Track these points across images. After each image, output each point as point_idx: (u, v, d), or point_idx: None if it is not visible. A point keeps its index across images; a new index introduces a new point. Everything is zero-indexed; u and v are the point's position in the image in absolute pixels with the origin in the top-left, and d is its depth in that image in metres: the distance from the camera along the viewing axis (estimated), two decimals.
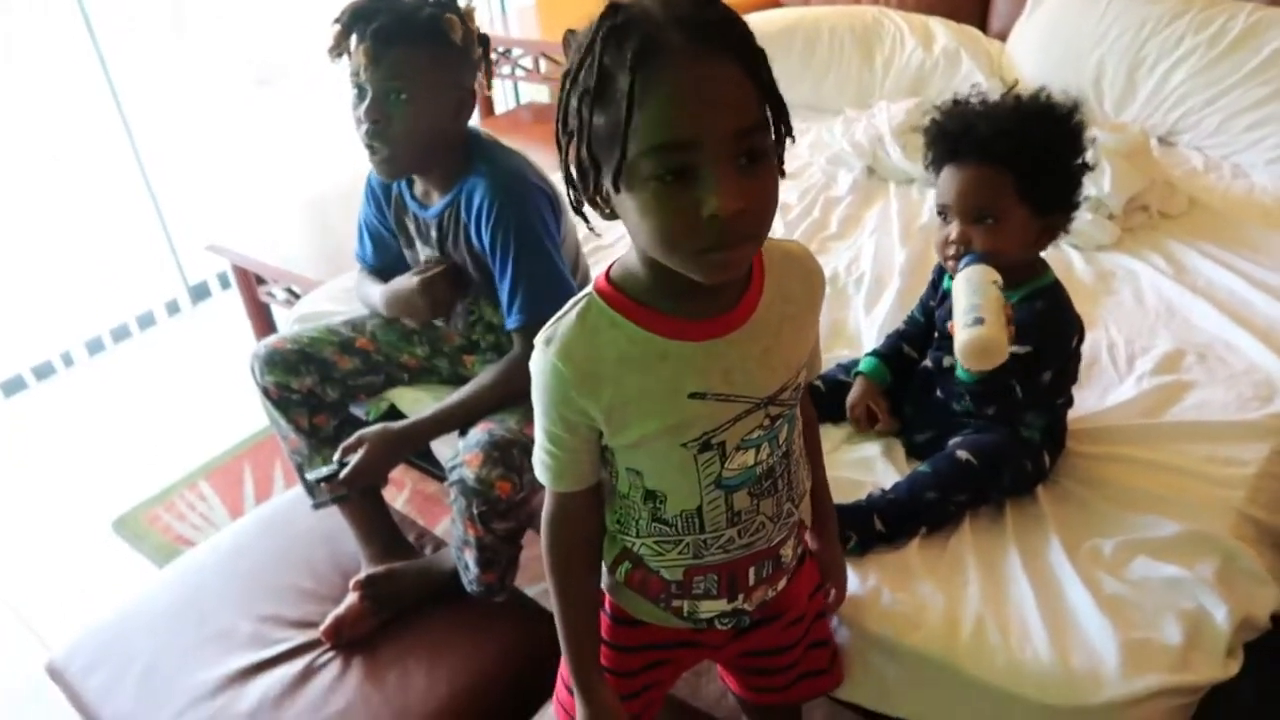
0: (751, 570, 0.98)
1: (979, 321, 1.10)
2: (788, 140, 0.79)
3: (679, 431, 0.88)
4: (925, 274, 1.52)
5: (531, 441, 1.08)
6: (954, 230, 1.24)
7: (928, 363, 1.44)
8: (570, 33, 0.82)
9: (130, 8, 2.88)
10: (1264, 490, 1.29)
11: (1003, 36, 2.61)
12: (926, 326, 1.44)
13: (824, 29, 2.67)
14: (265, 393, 1.54)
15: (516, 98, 3.68)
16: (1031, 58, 2.45)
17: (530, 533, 1.54)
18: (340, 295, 1.96)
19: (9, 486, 2.42)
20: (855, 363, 1.49)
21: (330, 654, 1.41)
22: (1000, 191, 1.21)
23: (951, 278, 1.23)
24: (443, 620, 1.45)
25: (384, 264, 1.64)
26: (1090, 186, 1.86)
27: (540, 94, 3.53)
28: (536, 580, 1.86)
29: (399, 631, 1.44)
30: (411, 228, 1.53)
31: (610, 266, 0.88)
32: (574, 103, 0.77)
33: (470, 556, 1.38)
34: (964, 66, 2.49)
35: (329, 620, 1.43)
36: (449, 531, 1.91)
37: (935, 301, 1.41)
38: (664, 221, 0.75)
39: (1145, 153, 2.03)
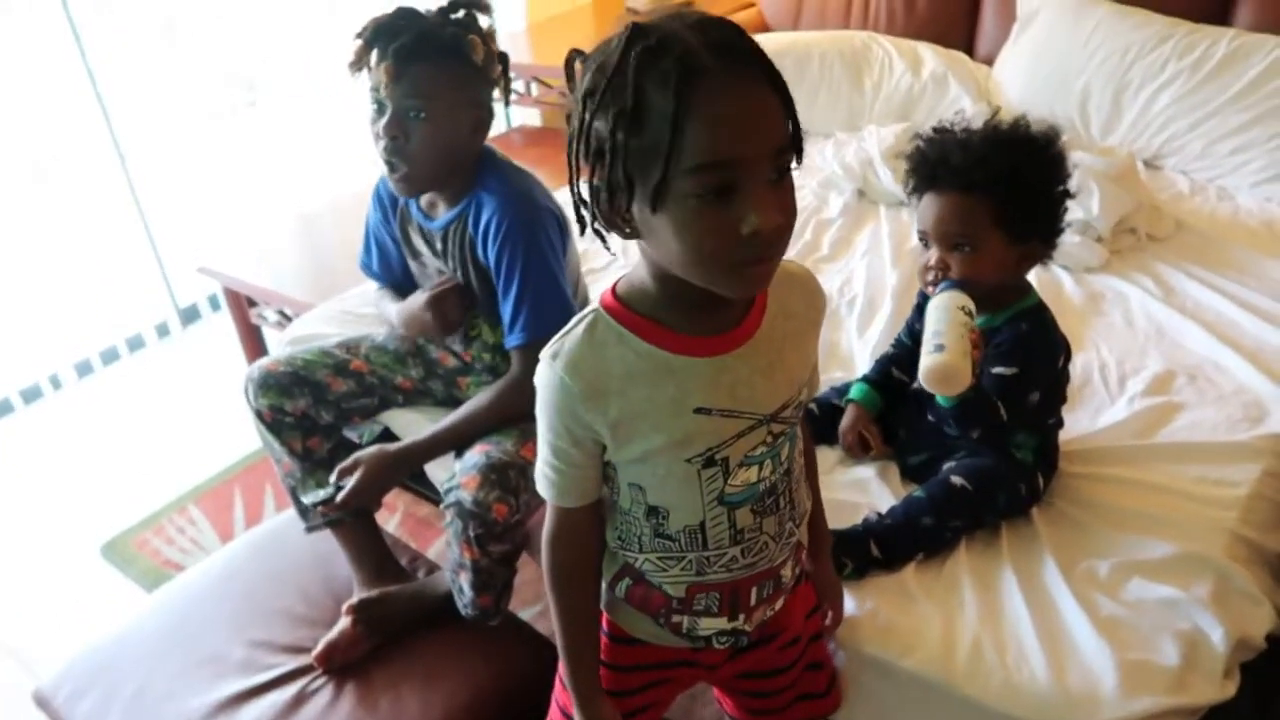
0: (753, 590, 0.98)
1: (940, 349, 1.13)
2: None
3: (683, 447, 0.88)
4: (916, 296, 1.53)
5: (528, 464, 1.09)
6: (933, 256, 1.26)
7: (919, 386, 1.44)
8: (578, 54, 0.83)
9: (120, 25, 2.88)
10: (1256, 511, 1.30)
11: (989, 61, 2.64)
12: (914, 349, 1.45)
13: (814, 53, 2.70)
14: (259, 415, 1.54)
15: (508, 121, 3.69)
16: (1018, 82, 2.48)
17: (525, 556, 1.53)
18: (334, 317, 1.95)
19: None
20: (848, 386, 1.50)
21: (322, 680, 1.40)
22: (976, 219, 1.23)
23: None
24: (436, 645, 1.44)
25: (387, 272, 1.64)
26: (1078, 209, 1.89)
27: (532, 117, 3.54)
28: (531, 604, 1.85)
29: (392, 656, 1.43)
30: (416, 239, 1.54)
31: (616, 283, 0.89)
32: (601, 124, 0.77)
33: (465, 580, 1.37)
34: (952, 90, 2.52)
35: (321, 645, 1.42)
36: (442, 555, 1.91)
37: (920, 327, 1.42)
38: (703, 239, 0.77)
39: (1132, 176, 2.05)
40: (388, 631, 1.44)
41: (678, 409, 0.87)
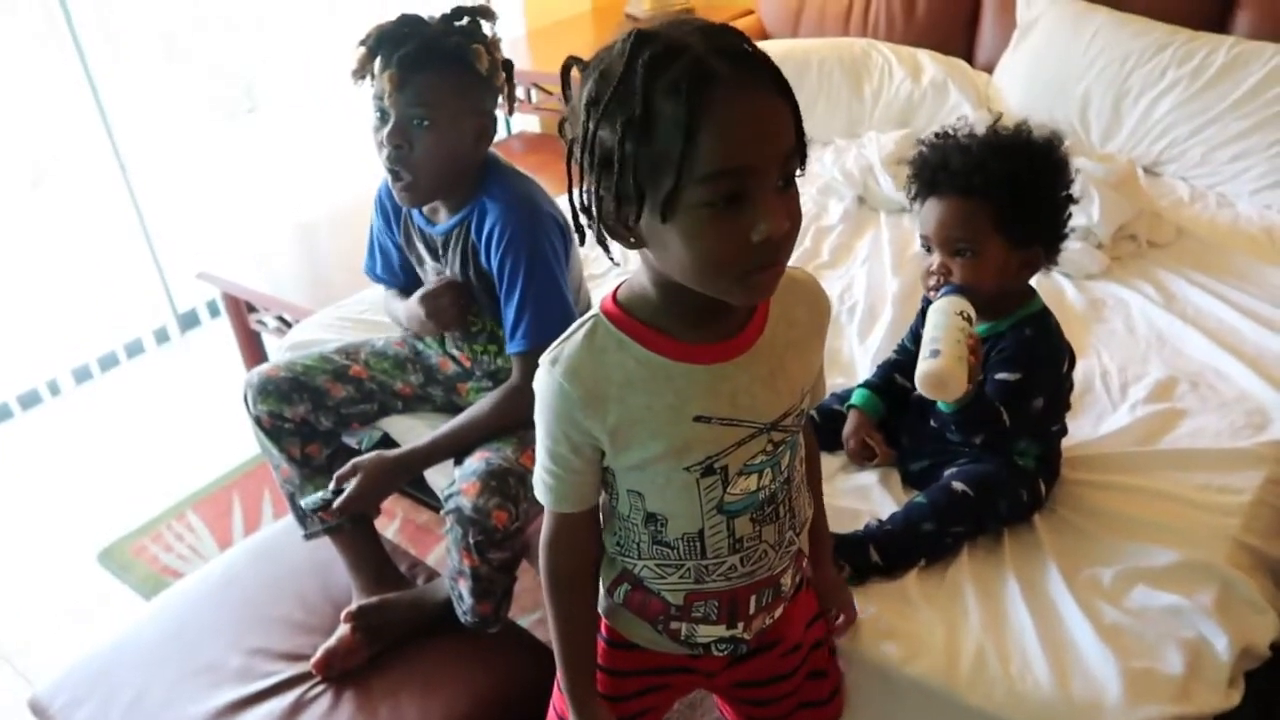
0: (752, 598, 0.98)
1: (935, 354, 1.13)
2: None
3: (682, 455, 0.88)
4: (917, 303, 1.53)
5: (528, 471, 1.08)
6: (935, 261, 1.27)
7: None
8: (576, 61, 0.82)
9: (120, 32, 2.88)
10: (1259, 518, 1.30)
11: (989, 68, 2.64)
12: (916, 354, 1.45)
13: (813, 60, 2.70)
14: (258, 421, 1.53)
15: (508, 128, 3.69)
16: (1018, 89, 2.48)
17: (524, 563, 1.53)
18: (333, 323, 1.95)
19: None
20: (850, 393, 1.49)
21: (321, 687, 1.39)
22: (977, 225, 1.23)
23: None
24: (436, 652, 1.43)
25: (392, 277, 1.64)
26: (1079, 215, 1.88)
27: (531, 124, 3.54)
28: (530, 611, 1.85)
29: (391, 664, 1.42)
30: (419, 244, 1.53)
31: (617, 289, 0.89)
32: (607, 133, 0.76)
33: (465, 587, 1.37)
34: (952, 97, 2.52)
35: (320, 653, 1.41)
36: (441, 561, 1.90)
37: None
38: (713, 246, 0.76)
39: (1133, 182, 2.06)
40: (387, 639, 1.44)
41: (676, 417, 0.86)
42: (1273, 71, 2.13)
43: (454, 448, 1.44)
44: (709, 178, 0.74)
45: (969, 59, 2.70)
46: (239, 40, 3.20)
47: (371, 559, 1.55)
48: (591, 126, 0.77)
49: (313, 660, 1.40)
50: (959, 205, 1.23)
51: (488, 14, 1.40)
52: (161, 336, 3.08)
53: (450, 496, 1.34)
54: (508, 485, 1.32)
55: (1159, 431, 1.46)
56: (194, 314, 3.18)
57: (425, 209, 1.49)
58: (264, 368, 1.57)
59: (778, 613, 1.02)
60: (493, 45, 1.39)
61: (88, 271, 2.99)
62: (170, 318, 3.10)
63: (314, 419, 1.55)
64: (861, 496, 1.39)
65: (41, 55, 2.73)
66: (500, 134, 3.70)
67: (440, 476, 1.52)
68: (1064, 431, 1.36)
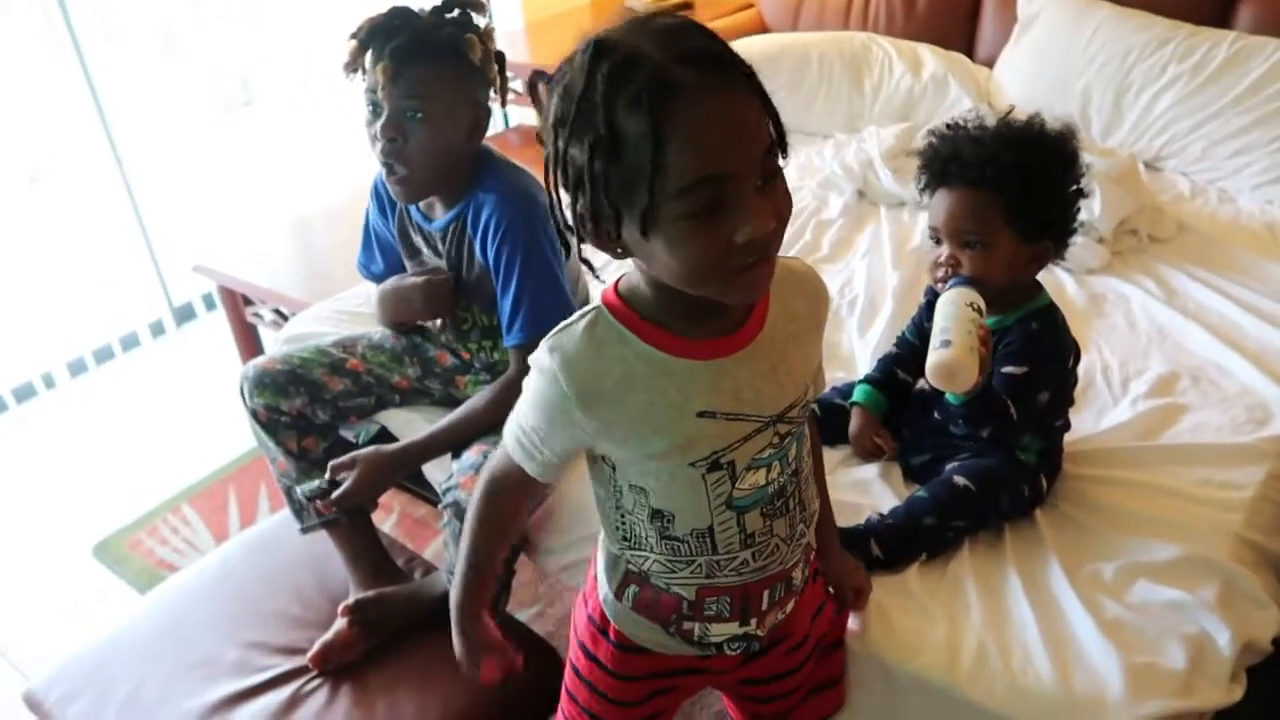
0: (765, 593, 0.97)
1: (946, 344, 1.12)
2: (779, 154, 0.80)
3: (686, 451, 0.87)
4: (917, 297, 1.52)
5: None
6: (943, 253, 1.26)
7: (924, 386, 1.44)
8: (540, 75, 0.81)
9: (117, 27, 2.87)
10: (1261, 514, 1.29)
11: (990, 63, 2.63)
12: (919, 347, 1.44)
13: (813, 54, 2.69)
14: (254, 415, 1.52)
15: (505, 120, 3.68)
16: (1019, 84, 2.47)
17: (523, 557, 1.52)
18: (330, 316, 1.94)
19: None
20: (851, 387, 1.49)
21: (318, 681, 1.38)
22: (987, 217, 1.22)
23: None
24: (433, 646, 1.42)
25: (388, 271, 1.62)
26: (1081, 210, 1.88)
27: (528, 117, 3.53)
28: (529, 605, 1.84)
29: (388, 658, 1.41)
30: (416, 238, 1.52)
31: (618, 280, 0.87)
32: (577, 152, 0.75)
33: None
34: (952, 92, 2.52)
35: (316, 647, 1.40)
36: (439, 555, 1.89)
37: (930, 324, 1.41)
38: (699, 254, 0.75)
39: (1134, 177, 2.05)
40: (384, 633, 1.43)
41: (680, 413, 0.85)
42: (1274, 67, 2.13)
43: (452, 441, 1.43)
44: (684, 191, 0.73)
45: (969, 53, 2.69)
46: (235, 35, 3.18)
47: (369, 553, 1.54)
48: (561, 146, 0.76)
49: (309, 654, 1.39)
50: (970, 197, 1.22)
51: (478, 6, 1.39)
52: (157, 329, 3.07)
53: (448, 490, 1.33)
54: None
55: (1160, 426, 1.46)
56: (190, 307, 3.16)
57: (422, 205, 1.48)
58: (260, 360, 1.56)
59: (789, 607, 1.01)
60: (485, 36, 1.38)
61: (84, 264, 2.98)
62: (166, 311, 3.09)
63: (311, 412, 1.54)
64: (862, 490, 1.38)
65: (39, 50, 2.72)
66: (498, 126, 3.70)
67: (438, 470, 1.51)
68: (1067, 426, 1.35)
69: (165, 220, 3.05)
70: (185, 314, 3.15)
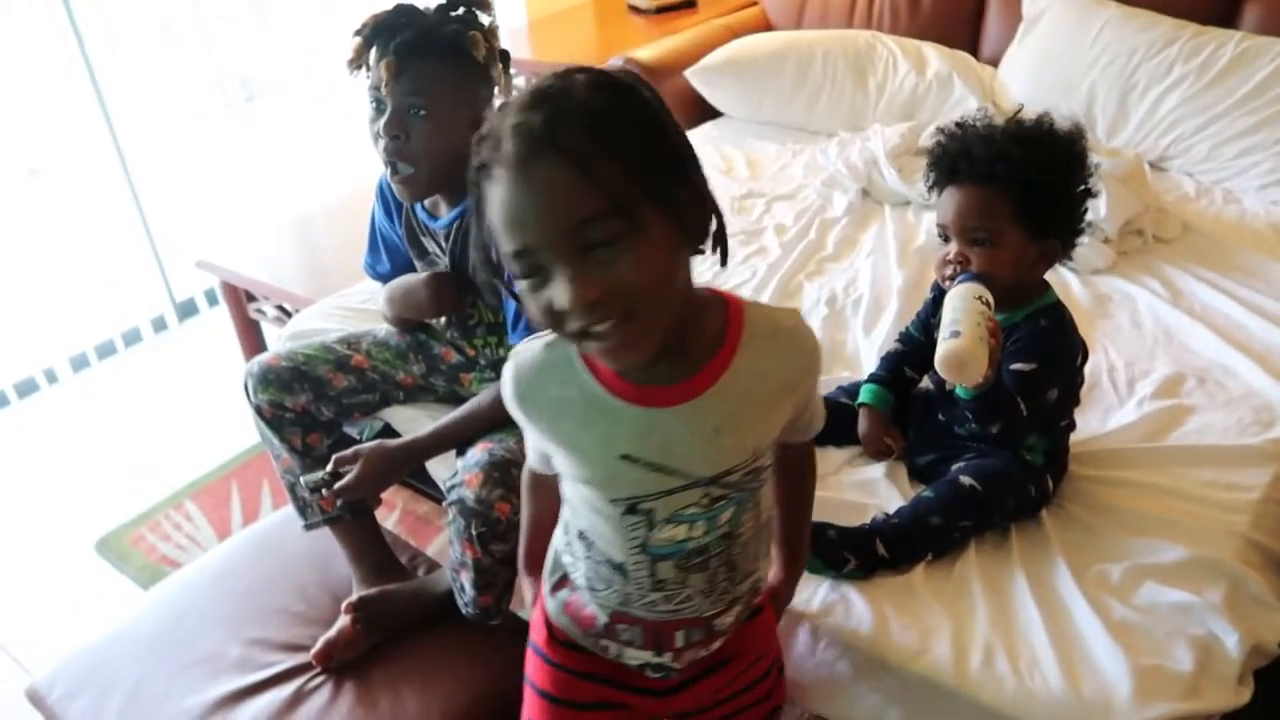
0: (679, 634, 0.95)
1: (956, 335, 1.12)
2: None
3: (605, 487, 0.86)
4: (922, 296, 1.52)
5: None
6: (951, 250, 1.26)
7: (929, 385, 1.44)
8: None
9: (120, 22, 2.86)
10: (1268, 516, 1.29)
11: (994, 62, 2.63)
12: (925, 344, 1.44)
13: (817, 52, 2.68)
14: (258, 411, 1.52)
15: None
16: (1023, 83, 2.47)
17: None
18: (334, 312, 1.93)
19: None
20: (857, 386, 1.48)
21: (321, 678, 1.38)
22: (996, 214, 1.22)
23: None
24: (436, 644, 1.42)
25: (394, 272, 1.62)
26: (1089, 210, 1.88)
27: None
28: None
29: (391, 655, 1.41)
30: (422, 237, 1.52)
31: None
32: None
33: (466, 579, 1.35)
34: (957, 91, 2.51)
35: (320, 644, 1.40)
36: (442, 552, 1.89)
37: (936, 320, 1.41)
38: (538, 316, 0.77)
39: (1140, 177, 2.04)
40: (387, 630, 1.42)
41: (603, 450, 0.84)
42: None
43: (456, 438, 1.43)
44: (508, 257, 0.76)
45: (974, 52, 2.68)
46: (237, 31, 3.18)
47: (372, 550, 1.54)
48: None
49: (313, 651, 1.39)
50: (979, 194, 1.22)
51: (484, 4, 1.38)
52: (159, 325, 3.07)
53: (453, 488, 1.33)
54: (511, 476, 1.31)
55: (1166, 428, 1.45)
56: (192, 303, 3.16)
57: (427, 203, 1.48)
58: (265, 357, 1.56)
59: (714, 646, 0.98)
60: (490, 34, 1.38)
61: (86, 260, 2.97)
62: (168, 306, 3.08)
63: (315, 409, 1.54)
64: (868, 491, 1.38)
65: (42, 45, 2.71)
66: None
67: (442, 467, 1.51)
68: (1072, 426, 1.35)
69: (168, 216, 3.05)
70: (188, 309, 3.15)
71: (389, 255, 1.61)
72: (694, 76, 2.80)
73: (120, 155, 2.89)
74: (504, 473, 1.31)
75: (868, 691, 1.19)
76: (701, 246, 0.81)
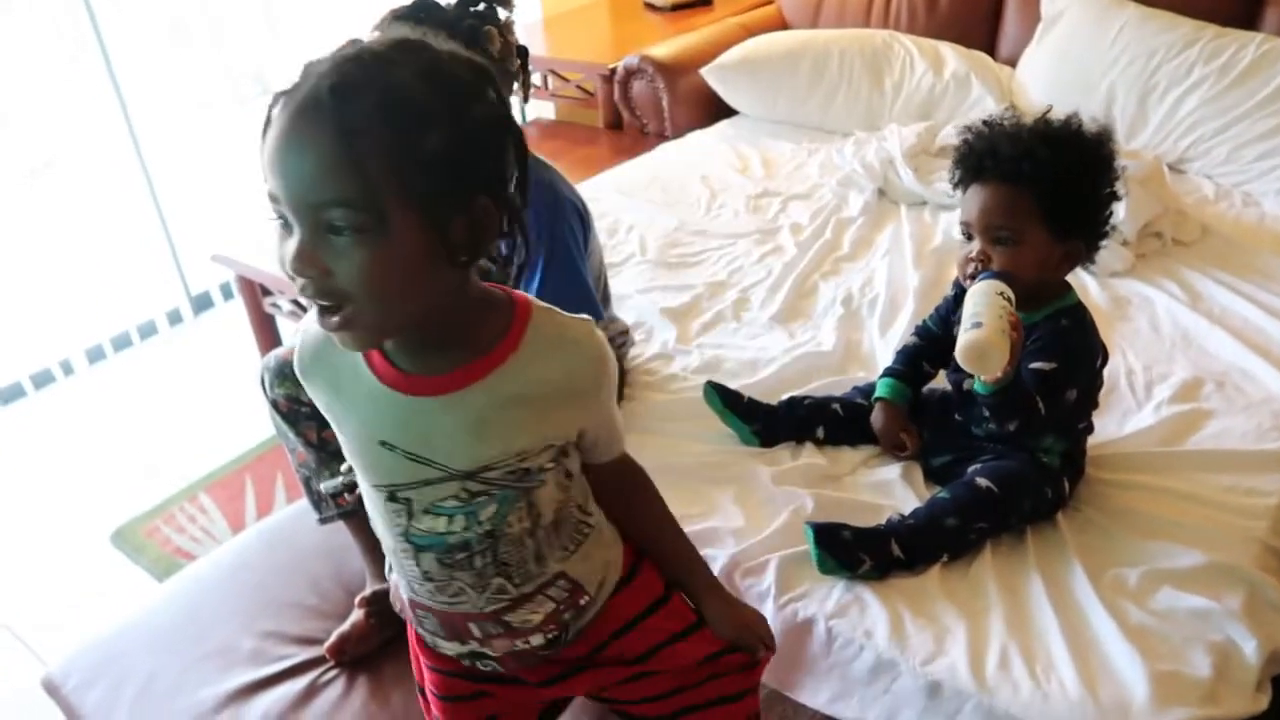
0: (473, 625, 0.93)
1: (977, 325, 1.12)
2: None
3: (367, 472, 0.87)
4: (939, 297, 1.51)
5: None
6: (974, 248, 1.25)
7: (946, 386, 1.43)
8: None
9: (137, 17, 2.88)
10: None
11: (1012, 62, 2.62)
12: (943, 339, 1.43)
13: (833, 51, 2.68)
14: (274, 405, 1.52)
15: (523, 114, 3.68)
16: (1041, 83, 2.46)
17: None
18: None
19: (5, 496, 2.39)
20: (872, 386, 1.48)
21: (334, 672, 1.38)
22: (1021, 213, 1.21)
23: None
24: None
25: None
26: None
27: (546, 110, 3.53)
28: None
29: (404, 649, 1.40)
30: None
31: None
32: None
33: None
34: (974, 91, 2.50)
35: (333, 637, 1.40)
36: None
37: (957, 318, 1.40)
38: (279, 259, 0.75)
39: (1159, 179, 2.03)
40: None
41: (365, 434, 0.84)
42: None
43: None
44: (266, 192, 0.74)
45: (991, 52, 2.68)
46: (250, 24, 3.19)
47: None
48: None
49: (326, 645, 1.40)
50: (1004, 192, 1.22)
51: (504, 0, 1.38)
52: (175, 318, 3.08)
53: None
54: None
55: (1184, 432, 1.44)
56: (207, 296, 3.17)
57: None
58: (281, 351, 1.56)
59: (534, 640, 0.95)
60: (506, 28, 1.37)
61: (102, 253, 2.99)
62: (184, 300, 3.10)
63: None
64: (883, 492, 1.37)
65: (61, 39, 2.73)
66: (517, 120, 3.69)
67: None
68: (1090, 429, 1.34)
69: (184, 210, 3.06)
70: (203, 303, 3.16)
71: None
72: (709, 75, 2.79)
73: (137, 149, 2.90)
74: None
75: (881, 693, 1.18)
76: (475, 260, 0.78)
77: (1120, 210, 1.89)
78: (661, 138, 2.87)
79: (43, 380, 2.82)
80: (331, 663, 1.39)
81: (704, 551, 1.30)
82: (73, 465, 2.48)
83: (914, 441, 1.41)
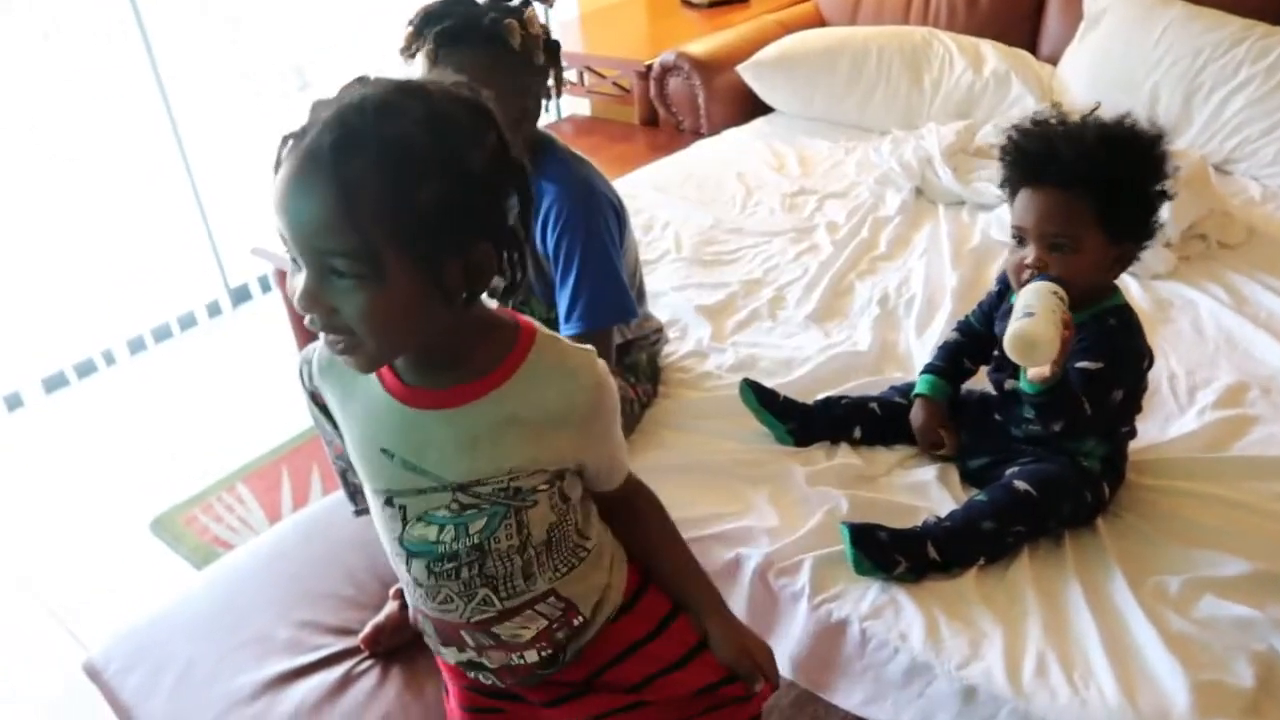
0: (465, 634, 0.95)
1: (1030, 316, 1.10)
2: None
3: (368, 477, 0.91)
4: (977, 298, 1.50)
5: None
6: (1030, 254, 1.22)
7: (985, 387, 1.42)
8: None
9: (181, 13, 2.92)
10: None
11: (1053, 60, 2.59)
12: (985, 336, 1.42)
13: (872, 49, 2.66)
14: (313, 397, 1.53)
15: (559, 111, 3.69)
16: (1083, 82, 2.42)
17: None
18: None
19: (48, 484, 2.43)
20: (910, 386, 1.47)
21: (369, 662, 1.40)
22: (1080, 218, 1.19)
23: None
24: None
25: None
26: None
27: (582, 107, 3.53)
28: None
29: None
30: None
31: None
32: None
33: None
34: (1014, 89, 2.47)
35: (368, 628, 1.41)
36: None
37: (999, 315, 1.38)
38: (289, 292, 0.79)
39: (1204, 180, 1.99)
40: None
41: (369, 441, 0.88)
42: None
43: None
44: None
45: (1033, 50, 2.65)
46: (291, 18, 3.22)
47: None
48: None
49: (361, 635, 1.41)
50: (1063, 197, 1.19)
51: None
52: (214, 310, 3.12)
53: None
54: None
55: (1228, 438, 1.42)
56: (246, 289, 3.21)
57: None
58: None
59: (529, 656, 0.96)
60: (528, 21, 1.37)
61: (144, 245, 3.04)
62: (223, 292, 3.14)
63: None
64: (919, 493, 1.36)
65: (106, 35, 2.77)
66: (551, 116, 3.70)
67: None
68: (1133, 434, 1.32)
69: (224, 203, 3.10)
70: (241, 295, 3.20)
71: None
72: (746, 72, 2.78)
73: (179, 143, 2.94)
74: None
75: (915, 696, 1.17)
76: (473, 300, 0.81)
77: (1165, 211, 1.87)
78: (697, 135, 2.87)
79: (85, 370, 2.87)
80: (366, 653, 1.40)
81: (737, 550, 1.31)
82: (114, 454, 2.52)
83: (952, 440, 1.40)
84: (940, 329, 1.72)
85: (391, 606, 1.43)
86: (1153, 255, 1.85)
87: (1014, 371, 1.23)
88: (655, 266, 2.02)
